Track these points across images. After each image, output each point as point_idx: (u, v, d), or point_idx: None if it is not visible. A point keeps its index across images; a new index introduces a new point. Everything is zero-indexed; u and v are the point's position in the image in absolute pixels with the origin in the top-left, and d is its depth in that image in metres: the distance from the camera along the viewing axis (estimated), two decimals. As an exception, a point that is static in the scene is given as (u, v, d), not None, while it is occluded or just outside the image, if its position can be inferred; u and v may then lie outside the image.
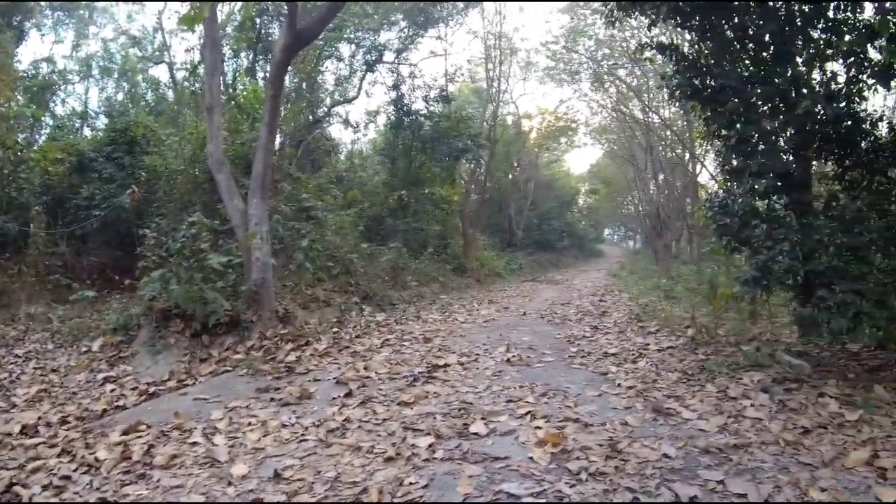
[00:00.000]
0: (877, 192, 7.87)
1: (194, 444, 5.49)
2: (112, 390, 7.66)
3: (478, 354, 9.22)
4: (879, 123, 7.98)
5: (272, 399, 6.90)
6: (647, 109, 28.80)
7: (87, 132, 22.89)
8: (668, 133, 28.60)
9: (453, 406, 6.40)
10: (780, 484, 4.33)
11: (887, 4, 6.95)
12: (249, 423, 6.01)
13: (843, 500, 4.08)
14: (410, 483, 4.42)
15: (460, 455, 4.97)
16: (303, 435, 5.66)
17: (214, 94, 10.84)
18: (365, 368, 8.21)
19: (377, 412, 6.27)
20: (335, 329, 10.86)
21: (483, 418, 5.90)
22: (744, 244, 8.54)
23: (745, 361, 7.61)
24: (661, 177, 32.58)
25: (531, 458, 4.86)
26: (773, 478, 4.44)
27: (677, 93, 9.14)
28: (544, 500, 4.12)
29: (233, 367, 8.40)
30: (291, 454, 5.16)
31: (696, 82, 8.88)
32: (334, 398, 6.82)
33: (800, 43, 8.24)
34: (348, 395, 6.95)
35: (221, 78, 12.81)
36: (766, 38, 8.49)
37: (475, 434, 5.49)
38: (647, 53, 10.20)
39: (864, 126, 7.86)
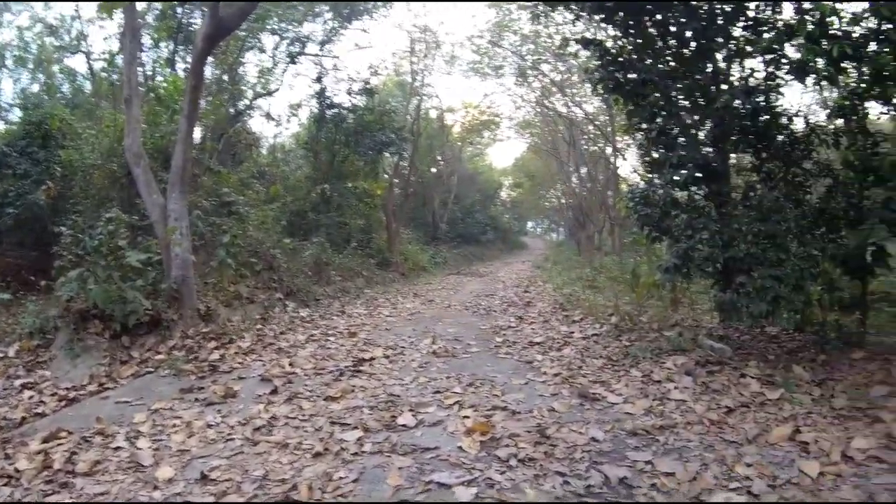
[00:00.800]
0: (792, 183, 8.14)
1: (118, 448, 5.29)
2: (30, 397, 7.27)
3: (403, 347, 9.23)
4: (795, 118, 8.25)
5: (196, 399, 6.72)
6: (571, 104, 29.20)
7: (0, 126, 21.86)
8: (591, 127, 29.06)
9: (380, 399, 6.40)
10: (707, 461, 4.50)
11: (805, 5, 7.23)
12: (174, 425, 5.85)
13: (768, 475, 4.26)
14: (340, 478, 4.40)
15: (389, 448, 4.98)
16: (229, 434, 5.54)
17: (133, 84, 10.50)
18: (290, 365, 8.10)
19: (304, 408, 6.21)
20: (259, 326, 10.68)
21: (411, 410, 5.93)
22: (665, 233, 8.75)
23: (668, 346, 7.82)
24: (583, 170, 33.12)
25: (460, 447, 4.91)
26: (700, 456, 4.61)
27: (600, 86, 9.26)
28: (475, 489, 4.15)
29: (155, 367, 8.13)
30: (218, 454, 5.05)
31: (619, 76, 9.01)
32: (260, 396, 6.72)
33: (720, 40, 8.45)
34: (274, 392, 6.85)
35: (141, 68, 12.42)
36: (689, 34, 8.67)
37: (403, 426, 5.51)
38: (572, 48, 10.31)
39: (780, 120, 8.11)
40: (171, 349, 8.72)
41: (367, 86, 23.44)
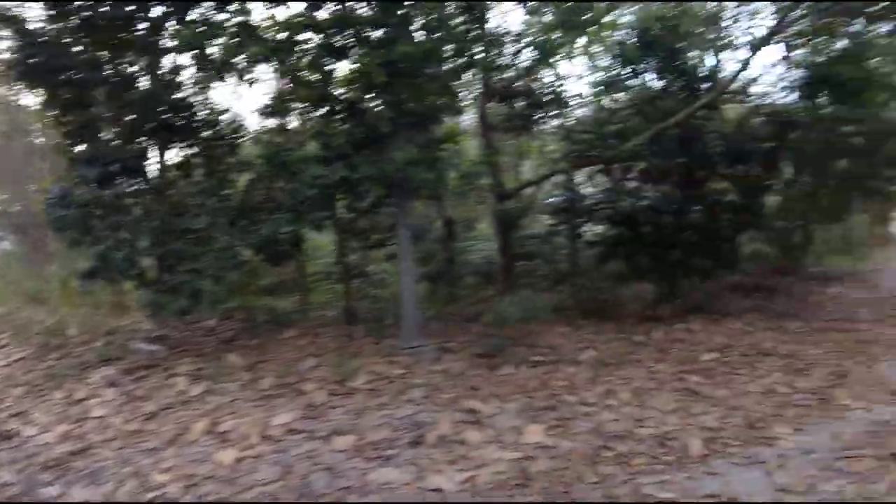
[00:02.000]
0: (217, 178, 8.34)
1: None
2: None
3: None
4: (222, 116, 8.47)
5: None
6: (12, 89, 26.24)
7: None
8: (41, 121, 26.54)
9: None
10: (123, 478, 4.33)
11: (230, 7, 7.44)
12: None
13: (185, 475, 4.23)
14: None
15: None
16: None
17: None
18: None
19: None
20: None
21: None
22: (87, 236, 8.17)
23: (97, 358, 7.37)
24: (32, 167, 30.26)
25: None
26: (116, 473, 4.41)
27: (13, 70, 8.30)
28: None
29: None
30: None
31: (37, 61, 8.04)
32: None
33: (145, 31, 8.14)
34: None
35: None
36: (119, 23, 8.07)
37: None
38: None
39: (207, 117, 8.28)
40: None
41: None
